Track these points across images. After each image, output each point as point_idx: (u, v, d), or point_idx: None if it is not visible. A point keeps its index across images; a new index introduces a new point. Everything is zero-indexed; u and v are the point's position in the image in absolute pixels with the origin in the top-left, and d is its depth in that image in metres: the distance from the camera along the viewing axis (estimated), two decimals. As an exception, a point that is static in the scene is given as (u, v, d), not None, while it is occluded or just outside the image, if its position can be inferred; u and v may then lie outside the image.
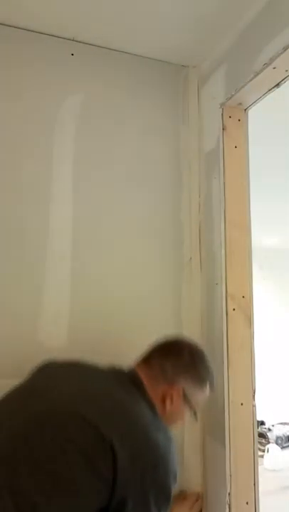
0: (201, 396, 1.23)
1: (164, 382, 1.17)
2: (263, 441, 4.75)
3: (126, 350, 1.65)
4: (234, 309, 1.58)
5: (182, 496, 1.59)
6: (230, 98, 1.62)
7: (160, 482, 1.01)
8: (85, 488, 0.94)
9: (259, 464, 1.59)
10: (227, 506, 1.48)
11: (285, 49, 1.33)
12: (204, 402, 1.27)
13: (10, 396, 1.17)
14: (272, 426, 5.18)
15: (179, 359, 1.22)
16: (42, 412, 1.03)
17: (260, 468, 1.58)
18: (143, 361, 1.23)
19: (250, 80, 1.50)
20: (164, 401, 1.15)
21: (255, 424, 1.57)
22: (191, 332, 1.74)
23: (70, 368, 1.25)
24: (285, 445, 4.92)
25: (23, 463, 0.95)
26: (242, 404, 1.54)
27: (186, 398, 1.18)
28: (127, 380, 1.16)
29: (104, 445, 0.95)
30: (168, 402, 1.15)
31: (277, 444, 4.83)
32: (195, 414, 1.21)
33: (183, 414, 1.22)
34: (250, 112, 1.70)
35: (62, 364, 1.27)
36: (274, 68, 1.41)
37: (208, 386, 1.24)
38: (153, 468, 0.99)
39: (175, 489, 1.06)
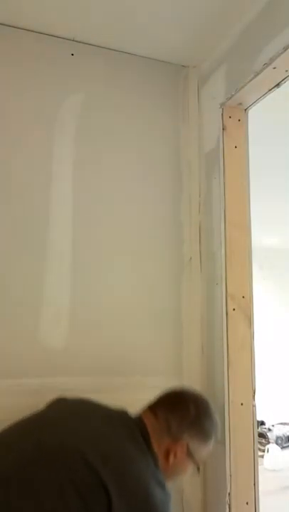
0: (205, 451, 1.24)
1: (168, 437, 1.17)
2: (263, 441, 4.75)
3: (126, 350, 1.65)
4: (234, 309, 1.58)
5: None
6: (230, 98, 1.62)
7: None
8: None
9: (259, 464, 1.59)
10: (227, 506, 1.48)
11: (285, 49, 1.33)
12: (207, 456, 1.28)
13: (23, 423, 1.19)
14: (272, 426, 5.18)
15: (185, 414, 1.21)
16: (52, 446, 1.04)
17: (260, 468, 1.58)
18: (150, 411, 1.23)
19: (250, 80, 1.50)
20: (167, 456, 1.16)
21: (255, 424, 1.57)
22: (191, 332, 1.74)
23: (83, 406, 1.26)
24: (285, 445, 4.92)
25: (21, 488, 0.96)
26: (242, 404, 1.54)
27: (189, 454, 1.18)
28: (134, 429, 1.16)
29: (102, 492, 0.96)
30: (171, 457, 1.16)
31: (277, 444, 4.84)
32: (198, 468, 1.22)
33: (185, 469, 1.23)
34: (250, 112, 1.70)
35: (75, 401, 1.28)
36: (274, 68, 1.41)
37: (212, 440, 1.24)
38: None
39: None
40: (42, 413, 1.25)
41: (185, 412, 1.22)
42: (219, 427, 1.27)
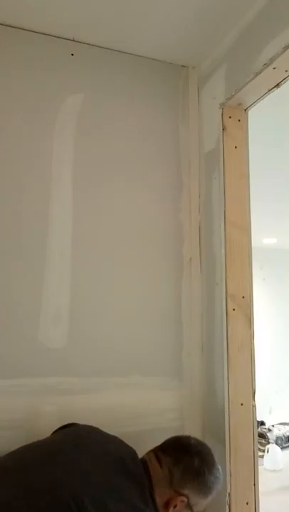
0: (204, 504, 1.24)
1: (170, 489, 1.18)
2: (263, 441, 4.75)
3: (126, 350, 1.65)
4: (234, 309, 1.58)
5: None
6: (230, 98, 1.62)
7: None
8: None
9: (259, 464, 1.59)
10: (227, 506, 1.48)
11: (285, 49, 1.33)
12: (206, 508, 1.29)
13: (30, 448, 1.20)
14: (272, 426, 5.18)
15: (189, 467, 1.22)
16: (59, 486, 1.04)
17: (260, 469, 1.58)
18: (155, 458, 1.24)
19: (250, 80, 1.50)
20: (167, 506, 1.17)
21: (255, 424, 1.57)
22: (191, 332, 1.74)
23: (94, 447, 1.24)
24: (285, 445, 4.93)
25: None
26: (242, 404, 1.54)
27: (189, 507, 1.19)
28: (141, 477, 1.16)
29: None
30: (171, 509, 1.17)
31: (277, 444, 4.84)
32: None
33: None
34: (250, 112, 1.70)
35: (86, 438, 1.28)
36: (274, 68, 1.41)
37: (213, 493, 1.25)
38: None
39: None
40: (53, 443, 1.24)
41: (189, 464, 1.22)
42: (222, 481, 1.27)
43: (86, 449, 1.20)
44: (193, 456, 1.24)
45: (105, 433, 1.31)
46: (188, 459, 1.23)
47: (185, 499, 1.18)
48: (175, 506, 1.17)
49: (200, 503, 1.22)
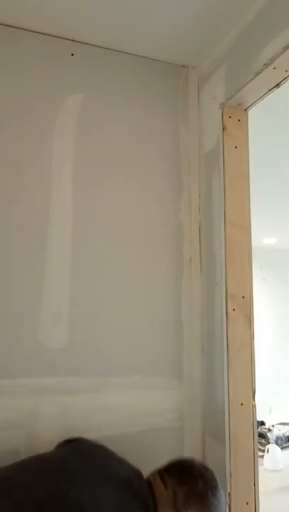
0: None
1: (174, 509, 1.19)
2: (263, 441, 4.76)
3: (126, 350, 1.65)
4: (234, 309, 1.58)
5: None
6: (230, 98, 1.62)
7: None
8: None
9: (259, 464, 1.59)
10: (227, 506, 1.48)
11: (285, 49, 1.33)
12: None
13: (34, 460, 1.21)
14: (272, 426, 5.19)
15: (193, 489, 1.22)
16: (69, 502, 1.05)
17: (260, 469, 1.58)
18: (160, 479, 1.24)
19: (250, 80, 1.50)
20: None
21: (255, 424, 1.57)
22: (191, 332, 1.74)
23: (99, 460, 1.26)
24: (285, 445, 4.93)
25: None
26: (242, 404, 1.54)
27: None
28: (145, 494, 1.17)
29: None
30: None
31: (277, 444, 4.84)
32: None
33: None
34: (250, 112, 1.70)
35: (92, 452, 1.29)
36: (274, 68, 1.41)
37: None
38: None
39: None
40: (60, 462, 1.23)
41: (193, 487, 1.23)
42: (224, 506, 1.27)
43: (94, 468, 1.20)
44: (198, 479, 1.24)
45: (111, 451, 1.32)
46: (193, 482, 1.23)
47: None
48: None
49: None
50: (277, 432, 5.06)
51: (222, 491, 1.28)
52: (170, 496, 1.20)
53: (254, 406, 1.57)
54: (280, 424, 5.28)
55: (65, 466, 1.18)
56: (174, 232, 1.79)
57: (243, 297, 1.60)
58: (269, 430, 5.06)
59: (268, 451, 4.57)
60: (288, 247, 5.96)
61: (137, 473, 1.23)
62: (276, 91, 1.53)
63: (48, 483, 1.10)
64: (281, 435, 5.02)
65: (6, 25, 1.64)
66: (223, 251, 1.61)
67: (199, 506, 1.21)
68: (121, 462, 1.28)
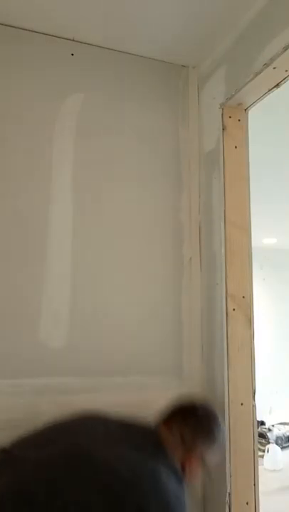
0: (215, 457, 1.33)
1: (183, 450, 1.24)
2: (263, 441, 4.75)
3: (126, 350, 1.65)
4: (234, 309, 1.58)
5: None
6: (230, 98, 1.62)
7: None
8: None
9: (259, 464, 1.59)
10: (227, 506, 1.48)
11: (285, 49, 1.33)
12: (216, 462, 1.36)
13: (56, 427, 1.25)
14: (273, 426, 5.19)
15: (197, 426, 1.30)
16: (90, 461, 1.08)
17: (260, 468, 1.58)
18: (164, 425, 1.29)
19: (250, 80, 1.50)
20: (183, 467, 1.23)
21: (255, 424, 1.57)
22: (191, 332, 1.74)
23: (114, 430, 1.28)
24: (285, 445, 4.93)
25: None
26: (242, 404, 1.54)
27: (203, 462, 1.28)
28: (155, 446, 1.21)
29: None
30: (187, 467, 1.24)
31: (277, 444, 4.84)
32: (209, 470, 1.32)
33: (198, 476, 1.31)
34: (250, 112, 1.70)
35: (103, 421, 1.31)
36: (274, 68, 1.41)
37: (219, 445, 1.33)
38: None
39: None
40: (70, 428, 1.27)
41: (197, 424, 1.30)
42: (224, 430, 1.37)
43: (115, 429, 1.26)
44: (200, 416, 1.32)
45: (121, 417, 1.35)
46: (196, 419, 1.30)
47: (199, 455, 1.26)
48: (191, 465, 1.24)
49: (212, 456, 1.30)
50: (277, 431, 5.06)
51: (222, 424, 1.36)
52: (178, 440, 1.25)
53: (254, 406, 1.57)
54: (280, 424, 5.27)
55: (92, 428, 1.23)
56: (174, 232, 1.79)
57: (243, 297, 1.60)
58: (269, 430, 5.06)
59: (268, 451, 4.57)
60: (288, 247, 5.95)
61: (147, 430, 1.27)
62: (276, 91, 1.53)
63: (76, 441, 1.16)
64: (281, 435, 5.02)
65: (6, 25, 1.64)
66: (223, 251, 1.61)
67: (207, 440, 1.29)
68: (133, 424, 1.31)
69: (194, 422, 1.30)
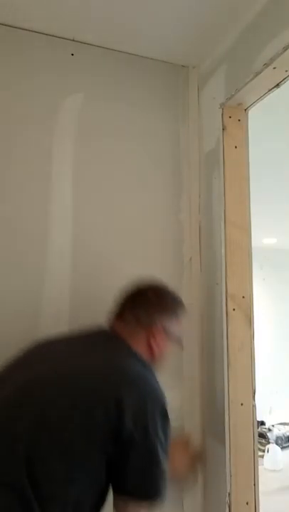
0: (178, 326, 1.30)
1: (142, 330, 1.22)
2: (263, 441, 4.76)
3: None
4: (234, 309, 1.58)
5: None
6: (230, 98, 1.62)
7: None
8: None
9: (259, 464, 1.59)
10: (227, 506, 1.48)
11: (285, 49, 1.33)
12: (183, 332, 1.35)
13: (15, 364, 1.22)
14: (273, 426, 5.19)
15: (148, 303, 1.27)
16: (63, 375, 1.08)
17: (260, 468, 1.58)
18: (118, 318, 1.28)
19: (250, 80, 1.49)
20: (150, 347, 1.21)
21: (255, 424, 1.57)
22: (191, 332, 1.74)
23: (68, 340, 1.29)
24: (285, 445, 4.94)
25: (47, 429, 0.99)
26: (242, 404, 1.54)
27: (167, 332, 1.24)
28: (114, 341, 1.21)
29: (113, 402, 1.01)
30: (154, 345, 1.21)
31: (277, 444, 4.84)
32: (180, 344, 1.31)
33: (167, 351, 1.27)
34: (250, 112, 1.70)
35: (57, 338, 1.31)
36: (274, 68, 1.41)
37: (180, 314, 1.31)
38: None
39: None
40: (34, 353, 1.25)
41: (147, 300, 1.28)
42: (182, 300, 1.34)
43: (73, 341, 1.27)
44: (147, 292, 1.30)
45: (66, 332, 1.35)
46: (144, 297, 1.28)
47: (160, 327, 1.23)
48: (155, 340, 1.22)
49: (174, 325, 1.27)
50: (277, 431, 5.06)
51: (172, 290, 1.33)
52: (135, 325, 1.23)
53: (254, 406, 1.57)
54: (280, 424, 5.28)
55: (80, 347, 1.20)
56: (174, 232, 1.79)
57: (243, 297, 1.60)
58: (269, 430, 5.07)
59: (268, 451, 4.58)
60: (288, 247, 5.96)
61: (103, 330, 1.26)
62: (276, 91, 1.53)
63: (68, 360, 1.14)
64: (281, 435, 5.02)
65: (6, 25, 1.64)
66: (223, 251, 1.61)
67: (162, 311, 1.26)
68: (89, 331, 1.29)
69: (145, 300, 1.27)
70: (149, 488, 1.03)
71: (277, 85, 1.50)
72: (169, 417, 1.09)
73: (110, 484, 1.04)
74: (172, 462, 1.14)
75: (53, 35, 1.69)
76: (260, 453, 4.28)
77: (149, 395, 1.06)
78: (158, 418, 1.04)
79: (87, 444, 0.99)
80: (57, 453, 0.97)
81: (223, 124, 1.66)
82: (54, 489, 0.96)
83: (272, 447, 4.66)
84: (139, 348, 1.20)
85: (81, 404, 1.01)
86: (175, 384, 1.70)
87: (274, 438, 4.94)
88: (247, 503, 1.50)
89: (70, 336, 1.31)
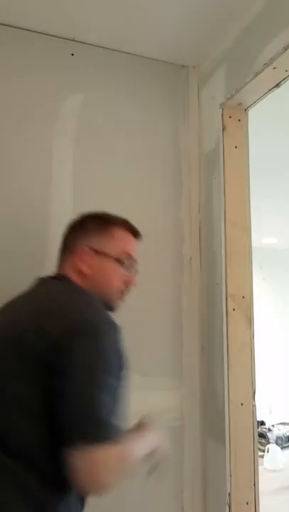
0: (113, 241, 1.17)
1: (70, 254, 1.15)
2: (263, 441, 4.76)
3: (126, 350, 1.65)
4: (234, 309, 1.58)
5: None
6: (231, 98, 1.62)
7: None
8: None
9: (259, 464, 1.59)
10: (227, 506, 1.48)
11: (285, 49, 1.33)
12: (130, 247, 1.21)
13: None
14: (273, 426, 5.19)
15: (75, 228, 1.21)
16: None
17: (260, 468, 1.58)
18: (59, 260, 1.20)
19: (250, 80, 1.49)
20: (80, 270, 1.12)
21: (255, 424, 1.57)
22: (191, 332, 1.74)
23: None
24: (285, 445, 4.94)
25: None
26: (242, 404, 1.54)
27: (99, 252, 1.14)
28: (48, 281, 1.15)
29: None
30: (83, 267, 1.12)
31: (277, 444, 4.84)
32: (127, 264, 1.17)
33: (111, 272, 1.17)
34: (250, 112, 1.70)
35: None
36: (274, 68, 1.41)
37: (116, 227, 1.19)
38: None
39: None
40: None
41: (74, 228, 1.21)
42: (125, 221, 1.24)
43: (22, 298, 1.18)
44: (84, 219, 1.22)
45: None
46: (80, 225, 1.21)
47: (85, 248, 1.14)
48: (85, 262, 1.13)
49: (105, 242, 1.17)
50: (277, 431, 5.06)
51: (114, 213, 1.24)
52: (66, 253, 1.16)
53: (254, 406, 1.57)
54: (280, 424, 5.28)
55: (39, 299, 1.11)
56: (174, 232, 1.79)
57: (243, 297, 1.60)
58: (269, 430, 5.07)
59: (268, 451, 4.58)
60: (288, 247, 5.96)
61: (44, 279, 1.17)
62: (276, 91, 1.53)
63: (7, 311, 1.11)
64: (281, 435, 5.02)
65: (6, 25, 1.64)
66: (223, 251, 1.61)
67: (88, 232, 1.18)
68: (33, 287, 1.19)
69: (72, 229, 1.20)
70: (91, 426, 0.89)
71: (277, 85, 1.50)
72: (114, 337, 1.02)
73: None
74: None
75: (53, 35, 1.69)
76: (260, 453, 4.28)
77: (78, 318, 0.96)
78: (90, 339, 0.94)
79: (27, 385, 0.93)
80: (9, 404, 0.94)
81: (223, 124, 1.66)
82: (18, 441, 0.92)
83: (272, 447, 4.66)
84: (73, 275, 1.12)
85: (14, 346, 0.96)
86: (175, 384, 1.70)
87: (274, 438, 4.94)
88: (247, 503, 1.50)
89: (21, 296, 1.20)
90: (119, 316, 1.66)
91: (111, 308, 1.18)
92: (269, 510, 1.82)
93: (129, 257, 1.20)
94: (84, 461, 0.88)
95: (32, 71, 1.66)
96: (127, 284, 1.22)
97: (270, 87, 1.52)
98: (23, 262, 1.57)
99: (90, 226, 1.19)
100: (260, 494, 1.54)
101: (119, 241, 1.19)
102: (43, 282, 1.16)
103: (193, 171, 1.83)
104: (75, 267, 1.14)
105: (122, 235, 1.20)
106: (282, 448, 4.79)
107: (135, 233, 1.24)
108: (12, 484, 0.91)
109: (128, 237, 1.22)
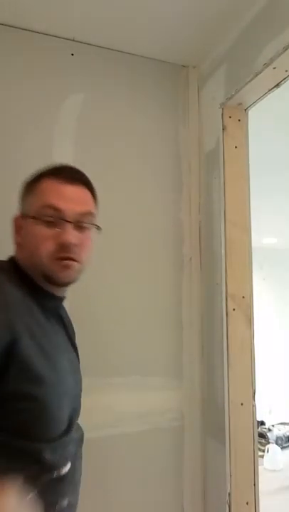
0: (35, 197, 1.00)
1: (14, 234, 1.03)
2: (263, 441, 4.76)
3: (126, 350, 1.65)
4: (234, 309, 1.58)
5: None
6: (231, 98, 1.62)
7: None
8: None
9: (259, 464, 1.59)
10: (227, 506, 1.48)
11: (285, 49, 1.33)
12: (53, 197, 0.99)
13: None
14: (272, 426, 5.19)
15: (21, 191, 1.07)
16: None
17: (260, 468, 1.58)
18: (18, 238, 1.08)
19: (250, 80, 1.50)
20: (18, 244, 1.01)
21: (255, 424, 1.57)
22: (191, 332, 1.74)
23: None
24: (285, 445, 4.94)
25: None
26: (242, 404, 1.54)
27: (22, 216, 1.01)
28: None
29: None
30: (17, 238, 1.01)
31: (277, 444, 4.84)
32: (38, 219, 0.97)
33: (33, 235, 0.98)
34: (250, 112, 1.70)
35: None
36: (274, 68, 1.41)
37: (44, 179, 1.02)
38: None
39: None
40: None
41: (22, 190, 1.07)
42: (62, 166, 1.09)
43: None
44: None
45: None
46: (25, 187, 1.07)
47: (17, 216, 1.03)
48: (16, 231, 1.02)
49: (30, 200, 1.02)
50: (277, 431, 5.06)
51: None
52: (18, 218, 1.04)
53: (254, 406, 1.57)
54: (280, 424, 5.28)
55: None
56: (174, 232, 1.79)
57: (243, 297, 1.60)
58: (269, 430, 5.06)
59: (267, 451, 4.57)
60: (288, 247, 5.96)
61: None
62: (276, 91, 1.53)
63: None
64: (281, 435, 5.02)
65: (6, 25, 1.64)
66: (223, 251, 1.61)
67: (20, 197, 1.05)
68: None
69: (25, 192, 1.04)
70: None
71: (277, 85, 1.50)
72: None
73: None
74: None
75: (53, 35, 1.69)
76: (260, 453, 4.28)
77: None
78: None
79: None
80: None
81: (223, 124, 1.66)
82: None
83: (272, 447, 4.66)
84: (15, 249, 1.02)
85: None
86: (175, 384, 1.70)
87: (274, 438, 4.94)
88: (247, 503, 1.50)
89: None
90: (120, 316, 1.66)
91: (53, 280, 1.00)
92: (269, 510, 1.82)
93: (53, 209, 0.97)
94: None
95: (32, 71, 1.66)
96: (60, 244, 0.97)
97: (270, 87, 1.52)
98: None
99: (22, 190, 1.04)
100: (260, 494, 1.54)
101: (40, 195, 0.99)
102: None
103: (193, 171, 1.83)
104: (14, 241, 1.01)
105: (45, 187, 1.00)
106: (282, 448, 4.79)
107: (66, 177, 1.02)
108: None
109: (53, 186, 0.99)
